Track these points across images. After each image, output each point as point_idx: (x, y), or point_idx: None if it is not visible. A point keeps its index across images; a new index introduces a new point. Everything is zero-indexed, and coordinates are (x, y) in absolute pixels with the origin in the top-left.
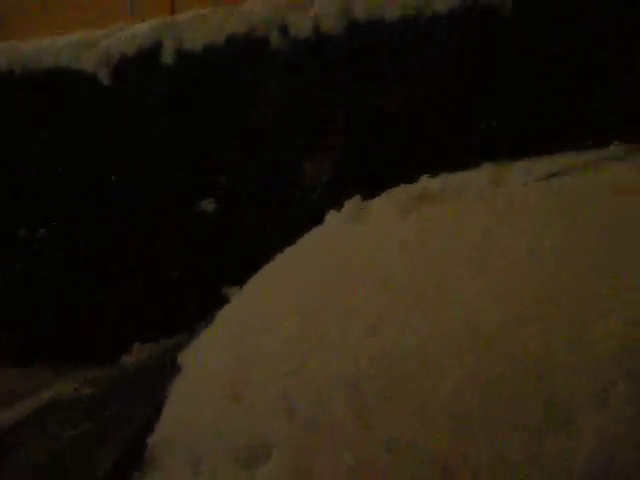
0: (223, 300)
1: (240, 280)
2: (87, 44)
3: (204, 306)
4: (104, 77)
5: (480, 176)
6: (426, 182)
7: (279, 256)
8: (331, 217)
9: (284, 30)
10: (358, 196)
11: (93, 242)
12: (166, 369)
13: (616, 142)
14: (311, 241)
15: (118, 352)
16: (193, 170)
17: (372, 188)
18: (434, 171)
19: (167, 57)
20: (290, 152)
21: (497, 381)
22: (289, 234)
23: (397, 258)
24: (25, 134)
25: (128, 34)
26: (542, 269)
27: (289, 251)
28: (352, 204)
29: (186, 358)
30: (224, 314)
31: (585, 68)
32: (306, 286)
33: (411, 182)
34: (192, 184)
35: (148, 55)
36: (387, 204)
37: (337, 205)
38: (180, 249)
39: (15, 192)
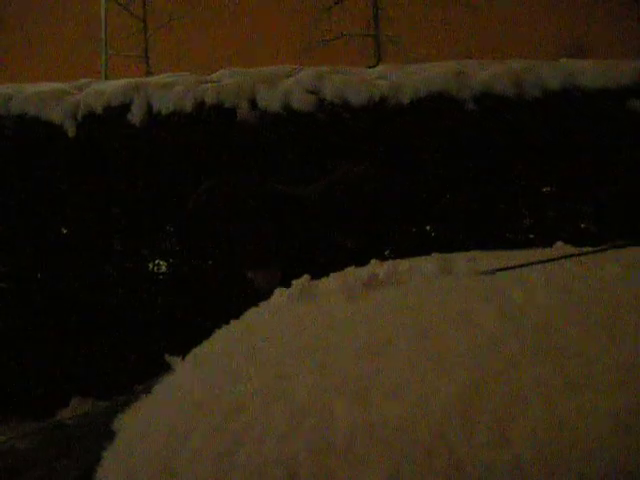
0: (164, 365)
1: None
2: (56, 95)
3: (146, 365)
4: (70, 129)
5: (428, 264)
6: (375, 267)
7: (223, 329)
8: (278, 294)
9: (253, 103)
10: (307, 275)
11: (35, 291)
12: (102, 433)
13: (559, 242)
14: (256, 317)
15: (54, 406)
16: (144, 233)
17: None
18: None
19: (135, 117)
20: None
21: None
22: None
23: (339, 342)
24: None
25: (98, 89)
26: (480, 361)
27: (233, 324)
28: (301, 283)
29: (121, 424)
30: (164, 384)
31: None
32: (246, 363)
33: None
34: (143, 245)
35: (116, 113)
36: (335, 286)
37: None
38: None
39: None
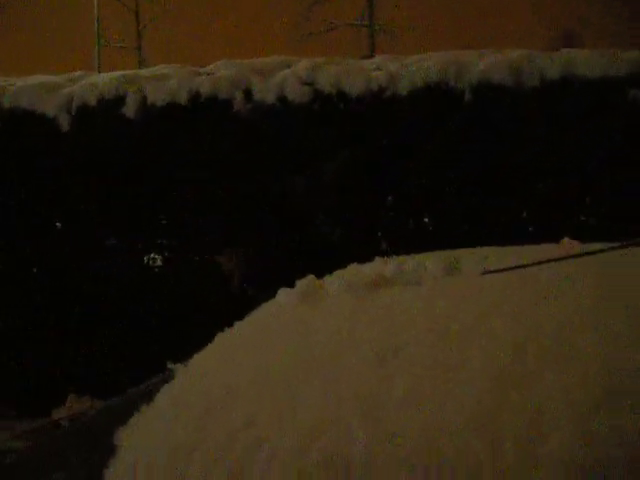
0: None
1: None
2: (49, 88)
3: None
4: (63, 123)
5: (435, 262)
6: (380, 265)
7: (227, 332)
8: (283, 295)
9: (248, 94)
10: (312, 275)
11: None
12: (100, 444)
13: (566, 238)
14: (261, 320)
15: (50, 405)
16: (139, 227)
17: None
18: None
19: (129, 110)
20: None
21: None
22: None
23: (349, 349)
24: None
25: (92, 82)
26: (499, 369)
27: (238, 327)
28: (306, 283)
29: (123, 439)
30: (166, 394)
31: None
32: (254, 370)
33: None
34: (139, 240)
35: (110, 106)
36: (341, 287)
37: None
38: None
39: None
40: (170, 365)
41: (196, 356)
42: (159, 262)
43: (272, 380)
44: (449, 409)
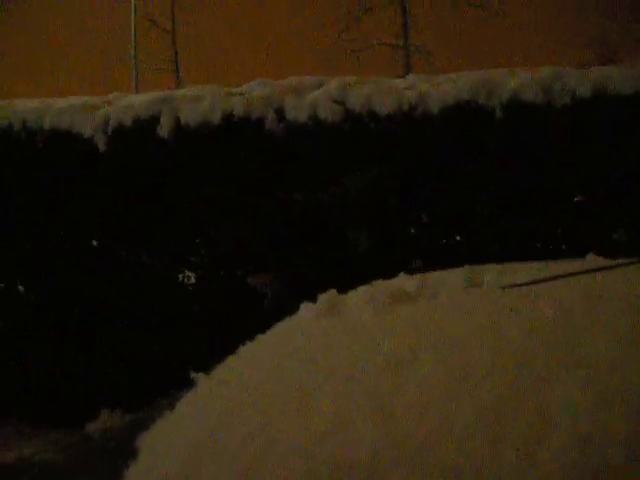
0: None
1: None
2: (87, 109)
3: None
4: (100, 142)
5: (457, 277)
6: (403, 281)
7: (248, 345)
8: (305, 309)
9: (281, 113)
10: (333, 290)
11: (68, 302)
12: (124, 449)
13: (591, 253)
14: (282, 333)
15: (83, 419)
16: (172, 245)
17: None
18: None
19: (163, 130)
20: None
21: None
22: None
23: (364, 359)
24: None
25: (127, 103)
26: (506, 378)
27: (259, 340)
28: (327, 297)
29: (144, 442)
30: (187, 401)
31: None
32: (271, 381)
33: None
34: (172, 257)
35: (145, 126)
36: (362, 301)
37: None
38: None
39: None
40: (193, 374)
41: (218, 366)
42: (192, 280)
43: (288, 389)
44: (455, 417)
